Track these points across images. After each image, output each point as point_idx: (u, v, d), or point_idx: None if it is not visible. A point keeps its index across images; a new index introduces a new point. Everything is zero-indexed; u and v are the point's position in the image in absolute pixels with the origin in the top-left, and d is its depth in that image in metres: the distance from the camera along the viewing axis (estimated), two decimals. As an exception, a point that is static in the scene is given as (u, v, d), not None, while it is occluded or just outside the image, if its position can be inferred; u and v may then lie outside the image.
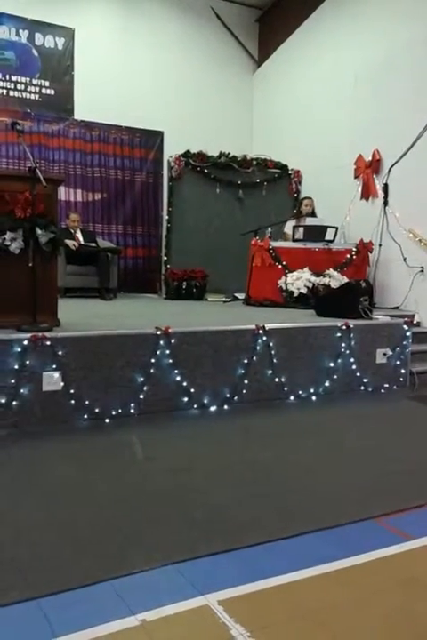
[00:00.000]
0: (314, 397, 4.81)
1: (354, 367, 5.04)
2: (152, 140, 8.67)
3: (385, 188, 7.09)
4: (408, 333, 5.37)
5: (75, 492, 2.83)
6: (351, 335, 5.02)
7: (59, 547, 2.29)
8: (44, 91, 8.10)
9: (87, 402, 3.92)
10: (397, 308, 6.70)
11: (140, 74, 8.62)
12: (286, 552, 2.33)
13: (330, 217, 7.27)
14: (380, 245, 7.09)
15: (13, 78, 7.91)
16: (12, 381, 3.67)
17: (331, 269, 6.55)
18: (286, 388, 4.70)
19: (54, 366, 3.80)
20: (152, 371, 4.14)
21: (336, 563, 2.24)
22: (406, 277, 6.70)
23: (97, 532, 2.43)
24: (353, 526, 2.58)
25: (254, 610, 1.94)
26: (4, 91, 7.85)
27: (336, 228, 7.06)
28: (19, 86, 7.94)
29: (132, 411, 4.08)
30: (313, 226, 7.13)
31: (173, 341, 4.22)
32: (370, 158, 7.26)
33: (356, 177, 7.51)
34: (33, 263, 3.93)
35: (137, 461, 3.34)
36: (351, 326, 5.03)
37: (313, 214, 7.57)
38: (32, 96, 8.03)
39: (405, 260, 6.74)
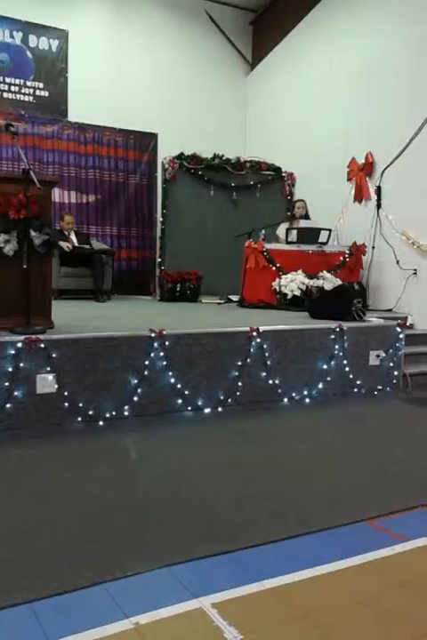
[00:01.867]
0: (308, 399, 4.83)
1: (347, 369, 5.06)
2: (146, 141, 8.68)
3: (378, 191, 7.13)
4: (401, 335, 5.39)
5: (68, 495, 2.83)
6: (345, 337, 5.04)
7: (52, 550, 2.29)
8: (37, 92, 8.10)
9: (81, 404, 3.91)
10: (390, 310, 6.73)
11: (134, 76, 8.63)
12: (279, 554, 2.33)
13: (323, 219, 7.30)
14: (373, 248, 7.12)
15: (7, 80, 7.90)
16: (6, 384, 3.67)
17: (324, 271, 6.53)
18: (279, 390, 4.71)
19: (48, 368, 3.79)
20: (146, 373, 4.14)
21: (330, 565, 2.25)
22: (399, 280, 6.73)
23: (91, 534, 2.43)
24: (347, 528, 2.59)
25: (248, 612, 1.94)
26: (-2, 92, 7.84)
27: (330, 231, 7.08)
28: (12, 88, 7.93)
29: (126, 413, 4.08)
30: (307, 228, 7.15)
31: (167, 343, 4.22)
32: (363, 161, 7.30)
33: (349, 180, 7.54)
34: (27, 265, 3.92)
35: (131, 464, 3.34)
36: (345, 328, 5.05)
37: (306, 217, 7.59)
38: (26, 98, 8.03)
39: (398, 262, 6.77)
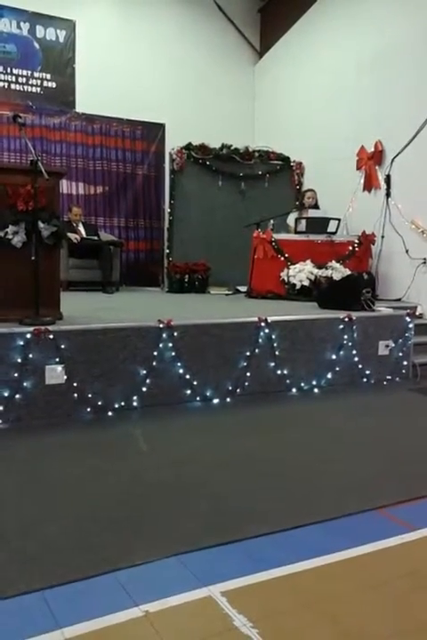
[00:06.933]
0: (316, 389, 4.82)
1: (356, 359, 5.04)
2: (154, 132, 8.64)
3: (387, 180, 7.07)
4: (411, 325, 5.37)
5: (78, 485, 2.85)
6: (354, 327, 5.01)
7: (62, 539, 2.31)
8: (45, 83, 8.08)
9: (90, 395, 3.93)
10: (399, 299, 6.69)
11: (141, 66, 8.58)
12: (288, 543, 2.34)
13: (332, 209, 7.25)
14: (382, 237, 7.07)
15: (15, 71, 7.89)
16: (16, 375, 3.69)
17: (333, 261, 6.52)
18: (288, 381, 4.71)
19: (57, 359, 3.81)
20: (155, 363, 4.15)
21: (339, 553, 2.25)
22: (408, 269, 6.69)
23: (100, 523, 2.45)
24: (356, 517, 2.59)
25: (257, 600, 1.95)
26: (6, 84, 7.83)
27: (339, 220, 7.04)
28: (20, 79, 7.92)
29: (134, 404, 4.09)
30: (315, 218, 7.11)
31: (175, 334, 4.22)
32: (372, 150, 7.24)
33: (358, 168, 7.48)
34: (35, 257, 3.93)
35: (140, 454, 3.35)
36: (354, 318, 5.03)
37: (316, 206, 7.54)
38: (33, 89, 8.02)
39: (407, 251, 6.73)
